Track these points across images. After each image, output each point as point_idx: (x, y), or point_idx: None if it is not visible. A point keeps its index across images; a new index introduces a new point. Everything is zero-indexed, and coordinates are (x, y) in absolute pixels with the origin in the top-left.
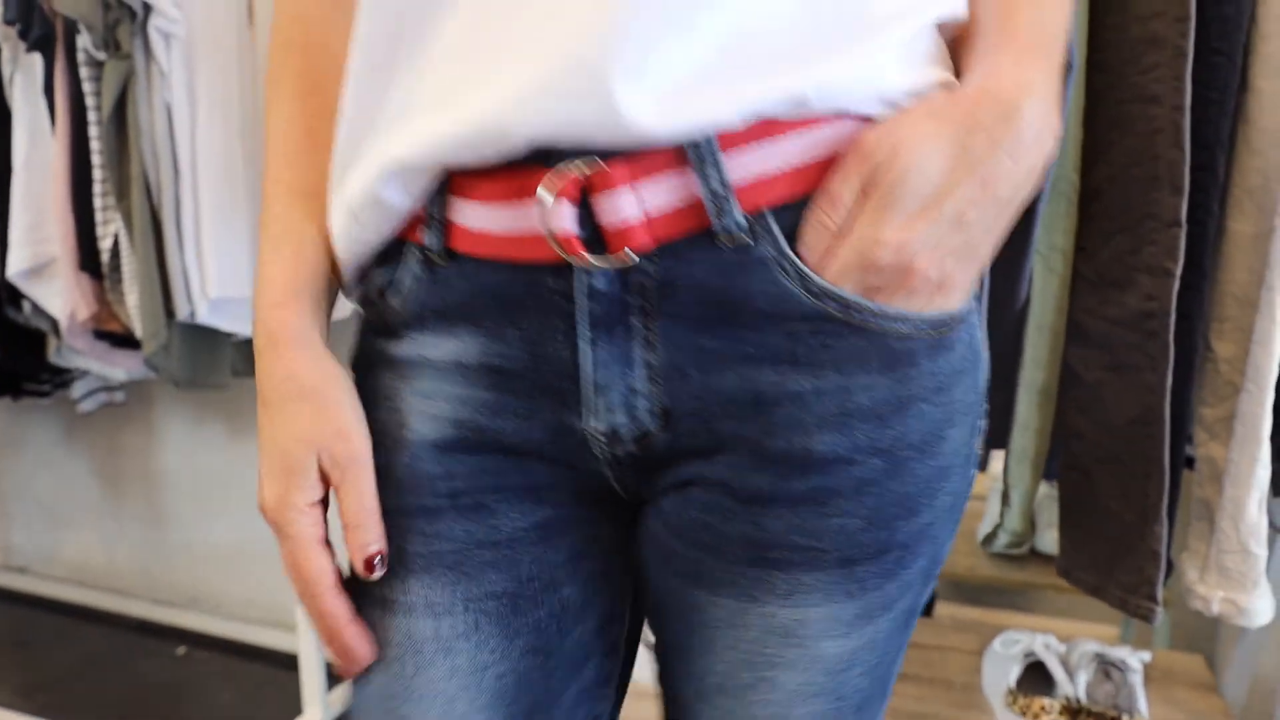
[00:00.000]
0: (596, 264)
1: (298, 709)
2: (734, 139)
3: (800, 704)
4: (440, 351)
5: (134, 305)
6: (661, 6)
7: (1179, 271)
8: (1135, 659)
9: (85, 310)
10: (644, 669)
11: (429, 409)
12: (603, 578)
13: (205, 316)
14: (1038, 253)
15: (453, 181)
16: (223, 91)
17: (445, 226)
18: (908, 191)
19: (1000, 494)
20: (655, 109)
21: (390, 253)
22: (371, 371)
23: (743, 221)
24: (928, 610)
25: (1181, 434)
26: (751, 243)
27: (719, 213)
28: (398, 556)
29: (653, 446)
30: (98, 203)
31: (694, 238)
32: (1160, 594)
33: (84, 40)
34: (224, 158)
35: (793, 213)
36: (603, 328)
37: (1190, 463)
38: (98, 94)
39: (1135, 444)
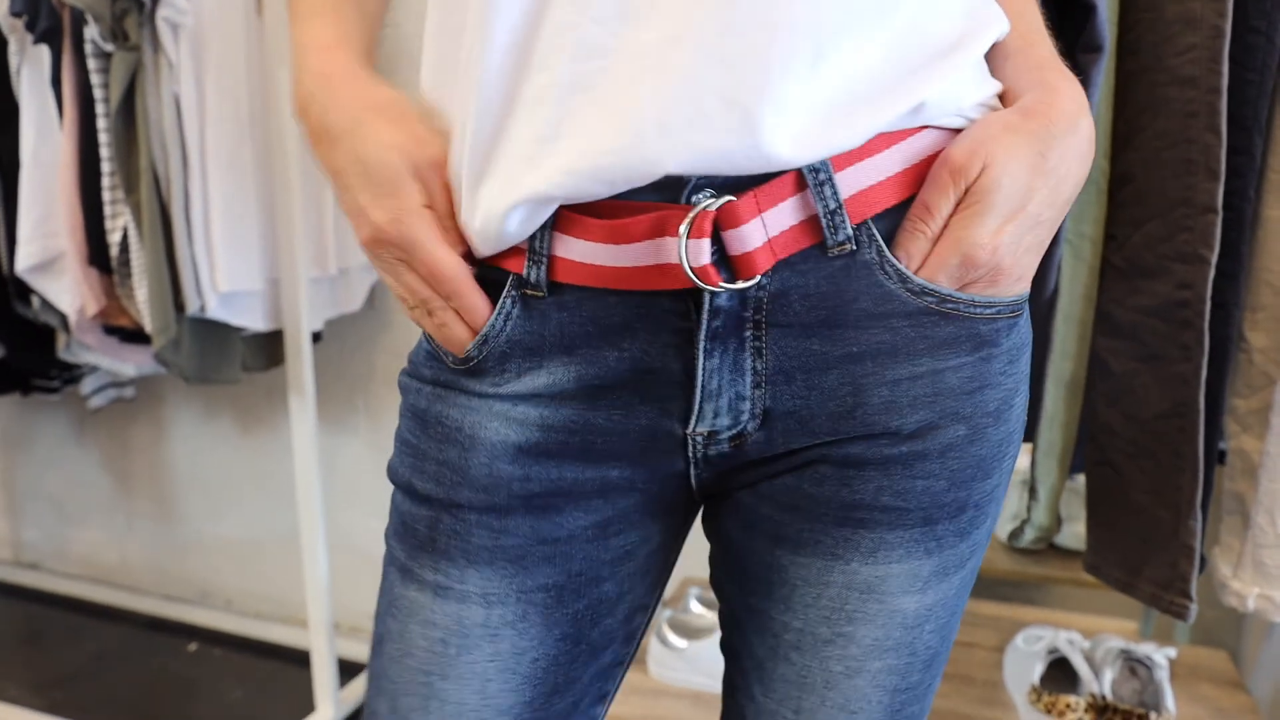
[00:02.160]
0: (728, 288)
1: (310, 706)
2: (841, 159)
3: (875, 658)
4: (526, 386)
5: (143, 300)
6: (798, 48)
7: (1214, 259)
8: (1161, 655)
9: (94, 305)
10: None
11: (515, 415)
12: (641, 575)
13: (215, 310)
14: (1067, 241)
15: (561, 217)
16: (231, 82)
17: (550, 261)
18: (999, 199)
19: (1019, 487)
20: (791, 142)
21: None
22: (445, 386)
23: (851, 232)
24: None
25: (1215, 427)
26: (856, 249)
27: (832, 228)
28: (463, 548)
29: (745, 445)
30: (106, 196)
31: (806, 250)
32: (1194, 590)
33: (91, 31)
34: (233, 150)
35: (890, 219)
36: (719, 340)
37: (1222, 456)
38: (105, 86)
39: (1168, 437)
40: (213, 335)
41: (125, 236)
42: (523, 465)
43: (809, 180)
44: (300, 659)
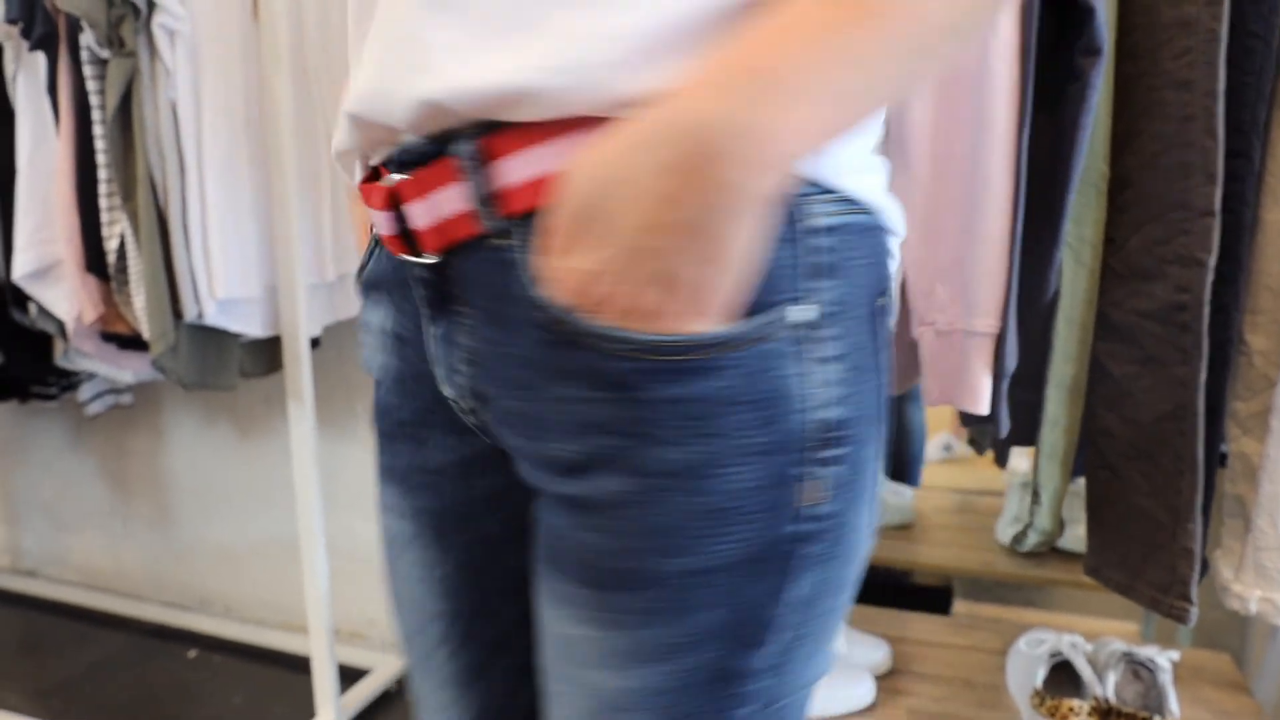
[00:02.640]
0: (413, 260)
1: (310, 712)
2: (495, 149)
3: None
4: (375, 317)
5: (141, 306)
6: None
7: (1213, 262)
8: (1164, 658)
9: (92, 312)
10: None
11: (378, 357)
12: (518, 526)
13: (213, 317)
14: (1067, 245)
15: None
16: (227, 89)
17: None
18: (588, 223)
19: (1019, 490)
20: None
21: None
22: (361, 321)
23: (503, 225)
24: (944, 608)
25: (1215, 430)
26: (509, 246)
27: (487, 216)
28: (382, 466)
29: (479, 422)
30: (103, 203)
31: (477, 240)
32: (1195, 593)
33: (87, 38)
34: (229, 157)
35: (538, 218)
36: (433, 309)
37: (1223, 459)
38: (102, 92)
39: (1167, 440)
40: (210, 341)
41: (122, 243)
42: (396, 396)
43: (465, 167)
44: (300, 665)
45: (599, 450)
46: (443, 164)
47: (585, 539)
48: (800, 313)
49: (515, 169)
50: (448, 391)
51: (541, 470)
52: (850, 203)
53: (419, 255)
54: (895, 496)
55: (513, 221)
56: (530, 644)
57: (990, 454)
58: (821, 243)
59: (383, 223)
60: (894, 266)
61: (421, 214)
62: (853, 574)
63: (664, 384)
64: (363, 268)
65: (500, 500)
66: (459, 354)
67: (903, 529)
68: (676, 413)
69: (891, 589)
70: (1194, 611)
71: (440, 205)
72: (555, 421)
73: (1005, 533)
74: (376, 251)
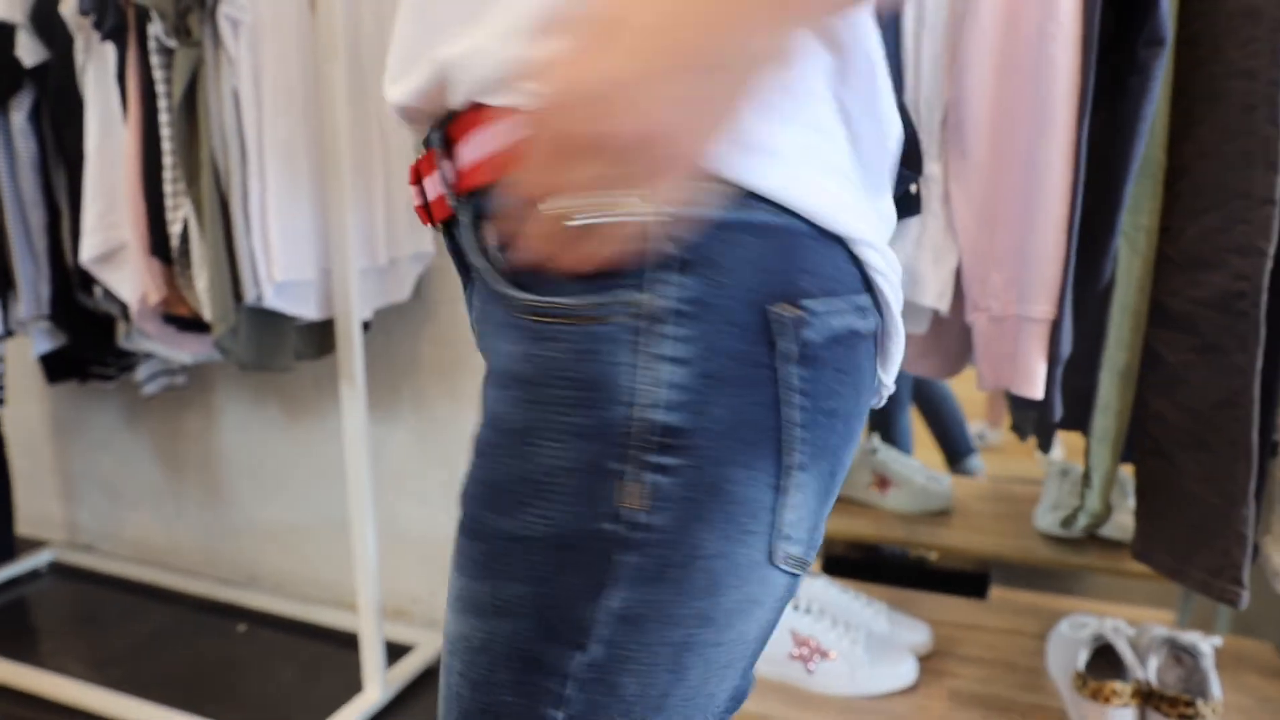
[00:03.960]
0: (432, 226)
1: (357, 686)
2: (456, 131)
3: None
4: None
5: (203, 289)
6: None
7: (1272, 251)
8: (1206, 644)
9: (156, 294)
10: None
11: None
12: None
13: (271, 300)
14: (1123, 233)
15: None
16: (286, 78)
17: None
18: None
19: (1057, 478)
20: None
21: None
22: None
23: (456, 203)
24: (981, 593)
25: (1269, 417)
26: (465, 220)
27: (450, 195)
28: None
29: None
30: (168, 188)
31: (453, 217)
32: (1246, 578)
33: (155, 28)
34: (288, 144)
35: (488, 196)
36: (466, 273)
37: (1275, 448)
38: (168, 81)
39: (1223, 427)
40: (268, 324)
41: (186, 228)
42: None
43: (439, 152)
44: (347, 641)
45: (484, 400)
46: (431, 150)
47: (466, 484)
48: (645, 301)
49: (469, 151)
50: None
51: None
52: (749, 198)
53: (436, 226)
54: (933, 483)
55: (466, 198)
56: None
57: (1031, 440)
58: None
59: (414, 194)
60: (860, 277)
61: (430, 189)
62: (697, 611)
63: (514, 342)
64: None
65: None
66: (475, 313)
67: (941, 515)
68: (515, 374)
69: (929, 574)
70: (1245, 595)
71: (438, 183)
72: (493, 371)
73: (1044, 519)
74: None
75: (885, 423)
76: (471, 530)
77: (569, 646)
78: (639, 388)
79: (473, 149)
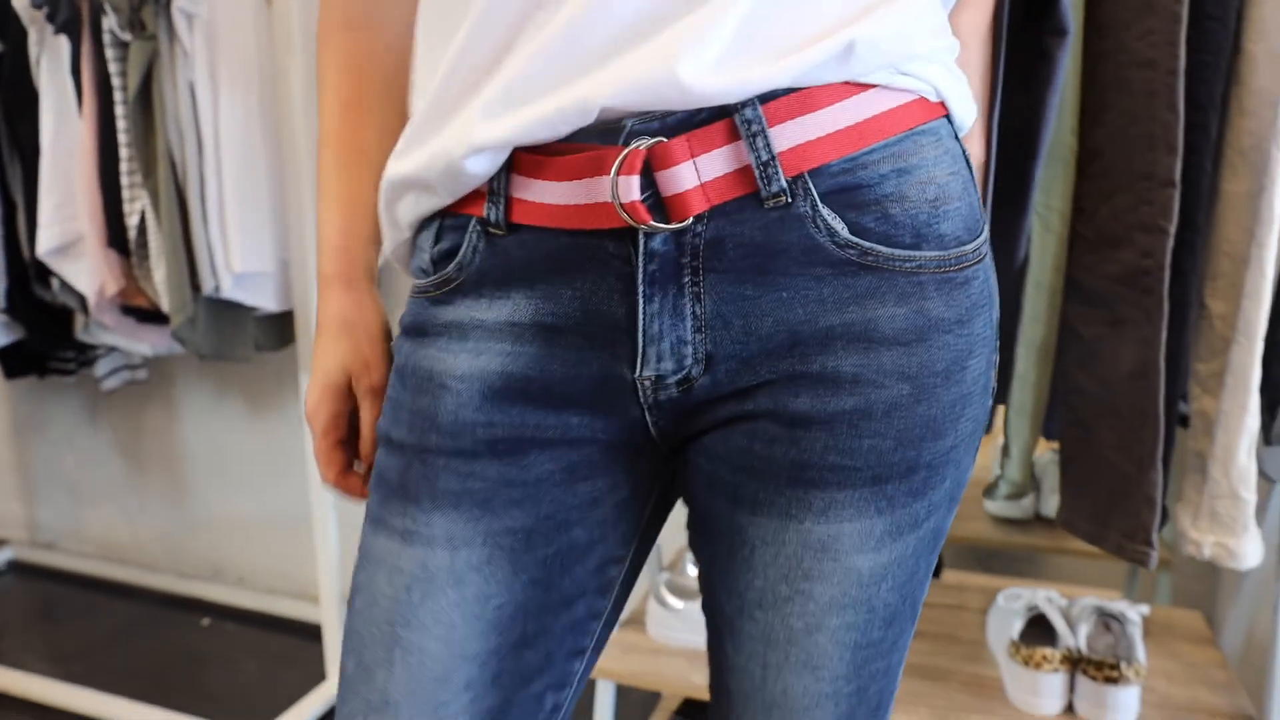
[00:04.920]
0: (659, 228)
1: (321, 676)
2: (779, 112)
3: (834, 615)
4: (494, 314)
5: (161, 280)
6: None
7: (1173, 229)
8: (1134, 612)
9: (114, 285)
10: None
11: (478, 363)
12: (612, 524)
13: (230, 290)
14: (1035, 213)
15: (516, 160)
16: (242, 71)
17: (508, 201)
18: None
19: (1002, 458)
20: (709, 72)
21: (446, 227)
22: (422, 334)
23: (785, 185)
24: (936, 573)
25: (1175, 387)
26: (790, 202)
27: (765, 179)
28: (430, 491)
29: (693, 390)
30: (124, 180)
31: (742, 200)
32: (1155, 539)
33: (110, 22)
34: (244, 136)
35: (827, 174)
36: (658, 285)
37: (1185, 421)
38: (123, 74)
39: (1132, 396)
40: (227, 314)
41: (143, 219)
42: (487, 412)
43: (741, 131)
44: (311, 633)
45: (885, 362)
46: (718, 128)
47: (859, 444)
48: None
49: (802, 130)
50: (654, 369)
51: (802, 399)
52: None
53: (668, 222)
54: None
55: (797, 179)
56: (568, 655)
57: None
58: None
59: (623, 190)
60: None
61: (687, 176)
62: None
63: (940, 293)
64: (435, 261)
65: (599, 502)
66: (689, 324)
67: None
68: (948, 318)
69: None
70: (1155, 555)
71: (711, 167)
72: (832, 346)
73: (992, 504)
74: (482, 242)
75: None
76: (906, 470)
77: (956, 505)
78: (994, 292)
79: (807, 128)
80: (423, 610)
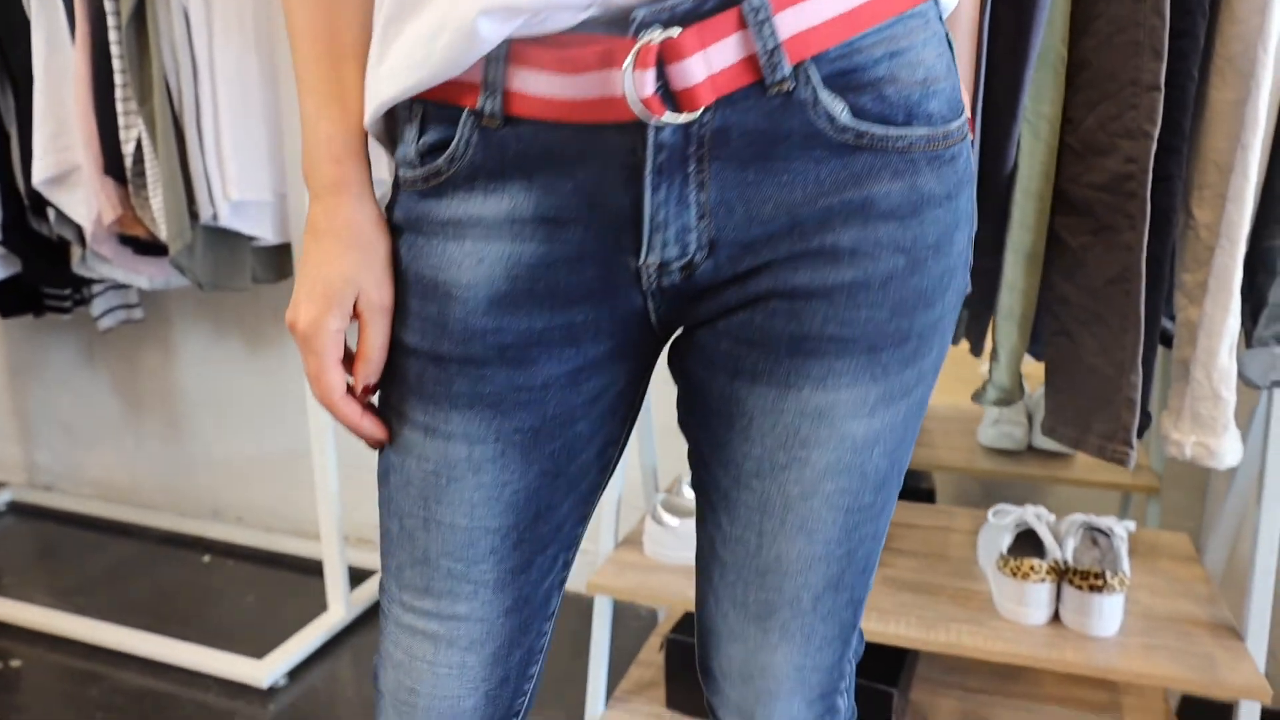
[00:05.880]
0: (671, 121)
1: (321, 608)
2: (780, 0)
3: (828, 480)
4: (491, 209)
5: (158, 207)
6: None
7: (1156, 133)
8: (1120, 527)
9: (111, 212)
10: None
11: (482, 269)
12: (611, 413)
13: (227, 219)
14: (1025, 121)
15: (514, 51)
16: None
17: (504, 94)
18: None
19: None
20: None
21: (432, 117)
22: (418, 232)
23: (789, 72)
24: (930, 498)
25: (1157, 294)
26: (793, 89)
27: (771, 67)
28: (446, 394)
29: (695, 275)
30: (119, 107)
31: (747, 89)
32: (1134, 439)
33: None
34: (239, 63)
35: (827, 60)
36: (664, 174)
37: (1168, 340)
38: None
39: (1114, 301)
40: (224, 244)
41: (139, 146)
42: (494, 319)
43: (749, 19)
44: (311, 568)
45: (882, 236)
46: (725, 17)
47: (856, 314)
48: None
49: (804, 17)
50: (659, 255)
51: (802, 273)
52: None
53: (679, 112)
54: None
55: (799, 66)
56: (575, 522)
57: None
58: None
59: (638, 84)
60: None
61: (698, 68)
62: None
63: (930, 168)
64: (424, 154)
65: (602, 396)
66: (693, 211)
67: None
68: (938, 194)
69: None
70: (1134, 455)
71: (719, 58)
72: (830, 222)
73: (986, 434)
74: (476, 134)
75: None
76: (901, 339)
77: (936, 377)
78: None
79: (808, 15)
80: (449, 492)
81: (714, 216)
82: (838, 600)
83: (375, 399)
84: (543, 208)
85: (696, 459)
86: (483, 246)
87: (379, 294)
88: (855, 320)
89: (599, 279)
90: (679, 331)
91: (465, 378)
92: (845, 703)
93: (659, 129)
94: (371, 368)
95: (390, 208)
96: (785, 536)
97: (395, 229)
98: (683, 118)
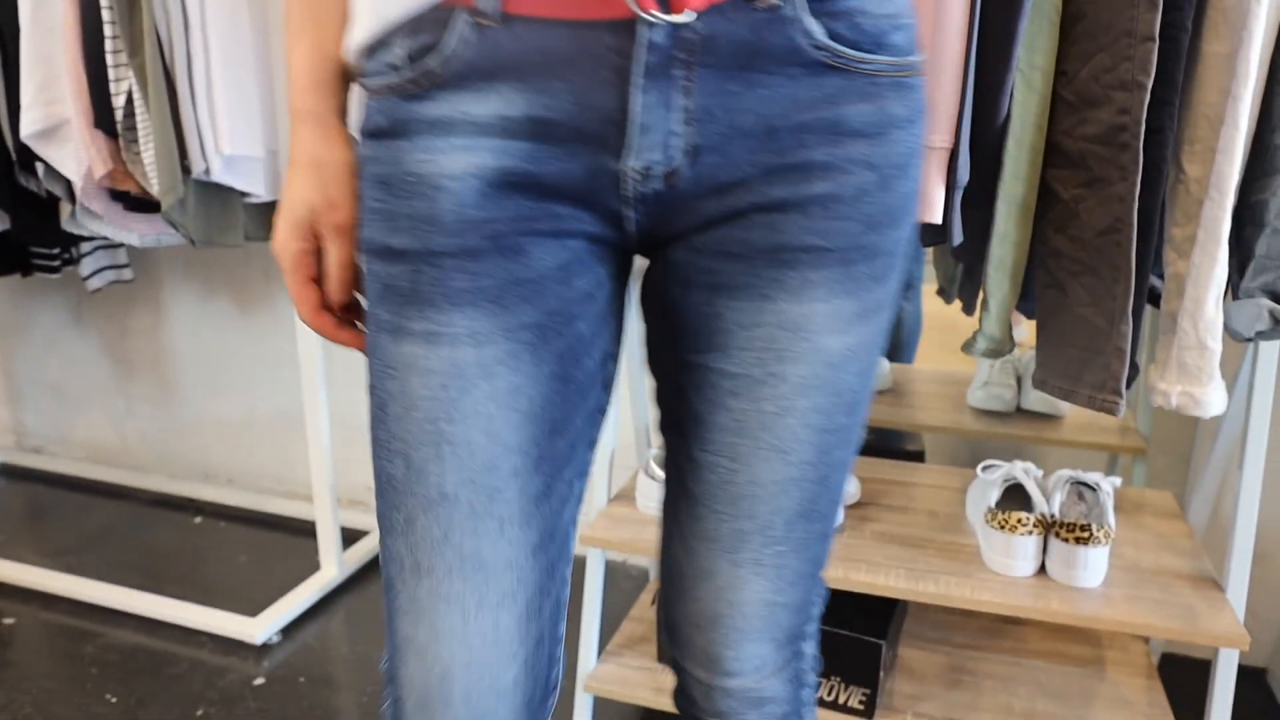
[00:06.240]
0: (663, 20)
1: (313, 568)
2: None
3: (803, 397)
4: (482, 108)
5: (150, 161)
6: None
7: (1150, 84)
8: (1106, 483)
9: (102, 166)
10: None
11: (472, 159)
12: (603, 320)
13: (220, 173)
14: (1019, 71)
15: None
16: None
17: None
18: None
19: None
20: None
21: (425, 20)
22: (403, 135)
23: None
24: (919, 460)
25: (1148, 246)
26: (779, 5)
27: None
28: (445, 293)
29: (676, 183)
30: (109, 60)
31: (736, 0)
32: (1124, 389)
33: None
34: (232, 15)
35: None
36: (652, 77)
37: (1155, 300)
38: None
39: (1106, 252)
40: (217, 199)
41: (130, 99)
42: (486, 207)
43: None
44: (302, 529)
45: (853, 152)
46: None
47: (830, 225)
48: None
49: None
50: (643, 159)
51: (779, 186)
52: None
53: (669, 14)
54: None
55: None
56: (586, 445)
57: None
58: None
59: None
60: None
61: None
62: None
63: (897, 95)
64: (413, 56)
65: (593, 297)
66: (678, 115)
67: (879, 394)
68: (902, 116)
69: (864, 451)
70: (1123, 405)
71: None
72: (805, 139)
73: (974, 396)
74: (471, 33)
75: None
76: (871, 254)
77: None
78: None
79: None
80: (463, 403)
81: (698, 123)
82: (810, 530)
83: (365, 326)
84: (534, 107)
85: (669, 392)
86: (473, 141)
87: (334, 215)
88: (830, 231)
89: (584, 180)
90: (649, 265)
91: (463, 272)
92: (810, 649)
93: (651, 30)
94: (335, 284)
95: (368, 117)
96: (760, 458)
97: (376, 135)
98: (675, 18)
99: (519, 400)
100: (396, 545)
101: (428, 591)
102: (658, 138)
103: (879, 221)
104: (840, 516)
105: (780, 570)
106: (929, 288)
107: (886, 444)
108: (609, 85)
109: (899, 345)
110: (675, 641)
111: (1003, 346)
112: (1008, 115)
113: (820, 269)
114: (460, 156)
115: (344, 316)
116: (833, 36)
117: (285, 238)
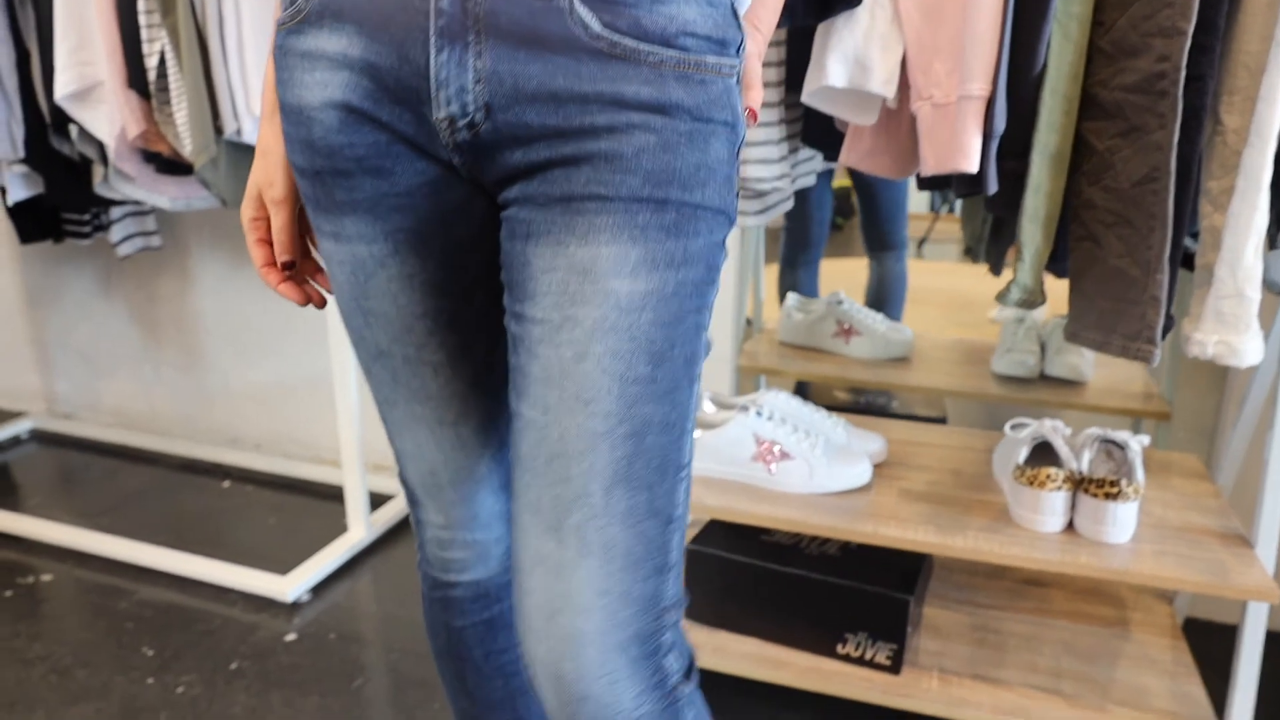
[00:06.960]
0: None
1: (342, 530)
2: None
3: (598, 341)
4: (333, 45)
5: (182, 121)
6: None
7: (1190, 30)
8: (1135, 441)
9: (135, 127)
10: None
11: (330, 93)
12: (484, 232)
13: (251, 134)
14: (1056, 20)
15: None
16: None
17: None
18: None
19: (1011, 325)
20: None
21: None
22: (286, 67)
23: None
24: (942, 421)
25: (1185, 195)
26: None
27: None
28: (334, 204)
29: (480, 134)
30: (142, 20)
31: None
32: (1159, 338)
33: None
34: None
35: None
36: (447, 38)
37: (1189, 263)
38: None
39: (1142, 202)
40: (248, 160)
41: (162, 60)
42: (346, 134)
43: None
44: (329, 494)
45: (634, 119)
46: None
47: (613, 178)
48: (738, 61)
49: None
50: (445, 111)
51: (570, 144)
52: None
53: None
54: (895, 333)
55: None
56: (497, 322)
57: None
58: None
59: None
60: None
61: None
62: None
63: (686, 86)
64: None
65: (465, 210)
66: (470, 75)
67: (901, 361)
68: (688, 104)
69: (887, 418)
70: (1158, 354)
71: None
72: (588, 107)
73: (999, 363)
74: None
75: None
76: (661, 201)
77: (714, 287)
78: (740, 119)
79: None
80: (370, 286)
81: (488, 83)
82: (634, 502)
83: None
84: (369, 52)
85: (510, 346)
86: (329, 75)
87: (271, 191)
88: (612, 182)
89: (414, 126)
90: (499, 208)
91: (340, 188)
92: (676, 664)
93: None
94: (277, 245)
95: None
96: (565, 409)
97: (276, 65)
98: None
99: (415, 282)
100: (372, 385)
101: (401, 415)
102: (454, 91)
103: (662, 179)
104: (868, 473)
105: (609, 549)
106: (948, 263)
107: (911, 413)
108: (419, 43)
109: (884, 300)
110: (523, 651)
111: (1035, 297)
112: (1044, 66)
113: (604, 215)
114: (320, 91)
115: (287, 274)
116: (609, 27)
117: (244, 208)
